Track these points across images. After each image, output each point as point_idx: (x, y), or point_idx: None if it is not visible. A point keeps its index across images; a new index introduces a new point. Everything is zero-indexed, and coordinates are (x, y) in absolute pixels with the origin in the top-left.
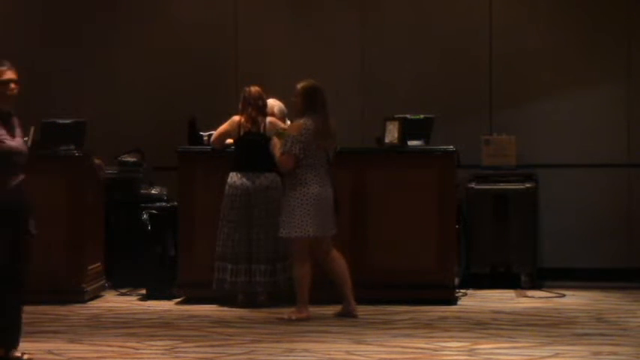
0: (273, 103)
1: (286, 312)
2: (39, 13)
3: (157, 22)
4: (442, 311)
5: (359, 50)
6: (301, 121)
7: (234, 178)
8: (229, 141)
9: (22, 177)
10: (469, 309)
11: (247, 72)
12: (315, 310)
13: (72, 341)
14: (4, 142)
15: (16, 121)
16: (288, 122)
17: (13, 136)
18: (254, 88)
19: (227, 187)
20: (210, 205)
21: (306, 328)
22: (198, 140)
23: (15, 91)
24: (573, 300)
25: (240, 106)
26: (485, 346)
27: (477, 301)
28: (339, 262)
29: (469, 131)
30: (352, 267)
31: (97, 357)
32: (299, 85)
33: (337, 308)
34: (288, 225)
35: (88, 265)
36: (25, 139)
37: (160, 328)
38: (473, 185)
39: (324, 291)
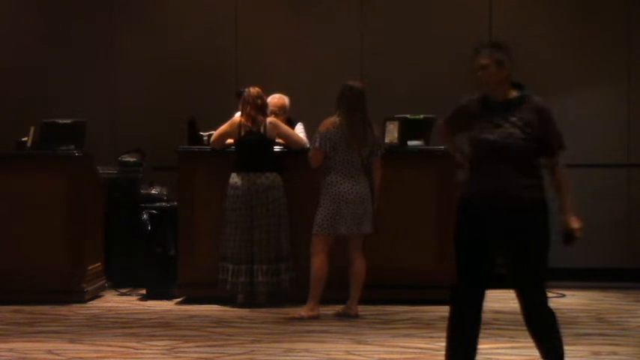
0: (283, 99)
1: (297, 310)
2: (39, 12)
3: (157, 22)
4: (442, 311)
5: (359, 50)
6: (332, 118)
7: (235, 178)
8: (229, 141)
9: (500, 174)
10: None
11: (247, 72)
12: None
13: (72, 341)
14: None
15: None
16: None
17: (500, 126)
18: (253, 89)
19: (228, 187)
20: (211, 205)
21: (306, 328)
22: (198, 140)
23: (483, 78)
24: (573, 300)
25: (239, 107)
26: (485, 346)
27: None
28: (358, 264)
29: None
30: None
31: (97, 357)
32: None
33: (337, 308)
34: (315, 221)
35: (88, 265)
36: None
37: (160, 328)
38: None
39: (324, 291)
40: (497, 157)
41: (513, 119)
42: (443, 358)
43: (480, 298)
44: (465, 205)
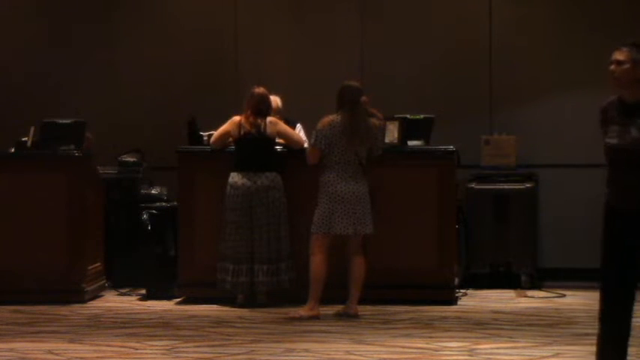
0: (276, 100)
1: (297, 310)
2: (39, 13)
3: (157, 22)
4: (442, 311)
5: (359, 50)
6: (331, 116)
7: (235, 178)
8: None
9: (626, 181)
10: (469, 309)
11: (247, 72)
12: None
13: (72, 341)
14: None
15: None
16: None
17: (627, 131)
18: (258, 89)
19: (228, 187)
20: (210, 205)
21: (306, 328)
22: (198, 140)
23: (616, 73)
24: (573, 300)
25: (244, 106)
26: (485, 346)
27: (476, 301)
28: (357, 264)
29: (469, 131)
30: None
31: (97, 357)
32: None
33: (337, 308)
34: (312, 221)
35: (88, 265)
36: None
37: (159, 328)
38: (473, 185)
39: (324, 291)
40: (621, 163)
41: (639, 121)
42: (443, 358)
43: (628, 298)
44: (606, 211)
